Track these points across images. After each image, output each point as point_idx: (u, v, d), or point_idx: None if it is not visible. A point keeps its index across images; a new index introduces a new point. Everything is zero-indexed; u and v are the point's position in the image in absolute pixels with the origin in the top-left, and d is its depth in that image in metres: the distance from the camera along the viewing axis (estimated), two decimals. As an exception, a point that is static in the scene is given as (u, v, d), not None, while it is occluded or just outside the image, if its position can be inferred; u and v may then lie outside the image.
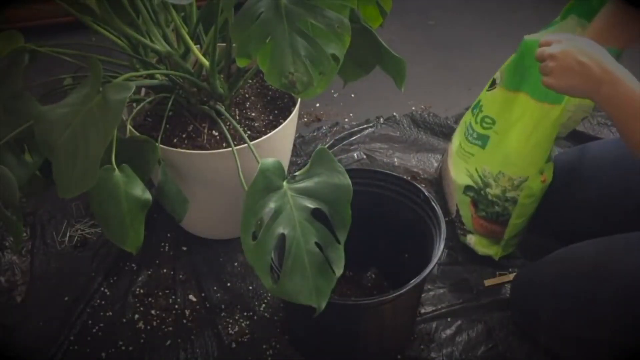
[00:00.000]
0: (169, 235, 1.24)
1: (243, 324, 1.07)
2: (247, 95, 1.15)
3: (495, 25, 1.90)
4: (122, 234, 0.81)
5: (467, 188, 1.13)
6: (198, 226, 1.22)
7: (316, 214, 0.80)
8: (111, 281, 1.15)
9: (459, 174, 1.15)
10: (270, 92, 1.18)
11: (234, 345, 1.04)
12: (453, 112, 1.56)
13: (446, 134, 1.49)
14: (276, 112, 1.14)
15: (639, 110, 0.76)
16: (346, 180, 0.80)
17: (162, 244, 1.22)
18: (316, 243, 0.78)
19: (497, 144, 1.07)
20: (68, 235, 1.24)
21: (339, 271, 0.79)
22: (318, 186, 0.80)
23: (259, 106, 1.14)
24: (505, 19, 1.92)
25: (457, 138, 1.20)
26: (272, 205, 0.78)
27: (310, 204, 0.79)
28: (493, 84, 1.10)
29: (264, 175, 0.78)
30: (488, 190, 1.09)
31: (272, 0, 0.74)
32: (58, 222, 1.27)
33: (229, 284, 1.14)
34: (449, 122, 1.52)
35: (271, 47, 0.74)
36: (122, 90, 0.74)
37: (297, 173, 0.81)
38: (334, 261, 0.79)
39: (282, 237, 0.78)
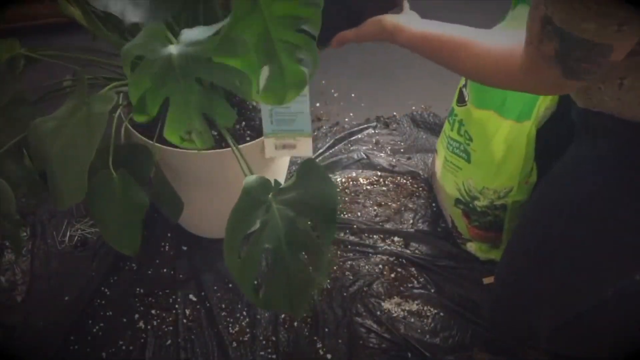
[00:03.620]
0: (169, 235, 1.24)
1: (243, 323, 1.08)
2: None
3: (495, 25, 1.90)
4: (119, 236, 0.82)
5: (457, 201, 1.13)
6: (197, 225, 1.23)
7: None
8: (111, 281, 1.15)
9: (449, 187, 1.15)
10: None
11: (234, 344, 1.04)
12: (453, 112, 1.56)
13: (446, 133, 1.50)
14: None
15: (430, 43, 0.80)
16: (332, 189, 0.80)
17: (162, 243, 1.23)
18: (300, 254, 0.78)
19: (478, 159, 1.07)
20: (68, 235, 1.24)
21: (323, 279, 0.81)
22: (304, 197, 0.79)
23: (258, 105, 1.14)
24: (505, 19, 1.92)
25: (441, 150, 1.19)
26: (257, 221, 0.77)
27: (296, 216, 0.79)
28: (462, 98, 1.10)
29: (248, 196, 0.77)
30: (476, 202, 1.09)
31: (165, 57, 0.71)
32: (58, 222, 1.27)
33: (229, 284, 1.15)
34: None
35: (170, 104, 0.73)
36: (105, 102, 0.75)
37: (283, 185, 0.81)
38: (318, 268, 0.80)
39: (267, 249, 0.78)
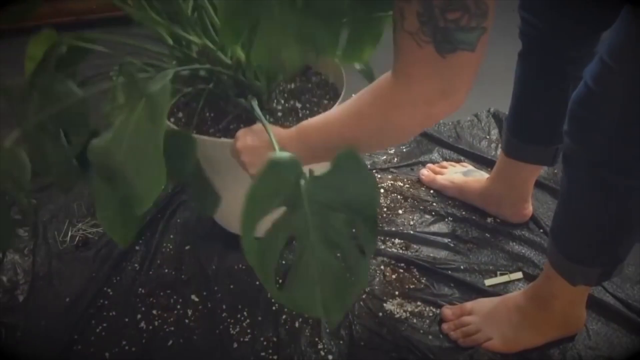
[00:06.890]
0: (171, 236, 1.25)
1: (244, 324, 1.08)
2: (293, 86, 1.12)
3: (496, 25, 1.89)
4: (115, 225, 0.80)
5: None
6: (224, 217, 1.22)
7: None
8: (114, 281, 1.16)
9: None
10: (313, 81, 1.15)
11: (235, 345, 1.05)
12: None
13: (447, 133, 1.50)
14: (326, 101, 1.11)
15: (324, 135, 0.79)
16: (372, 189, 0.72)
17: (164, 244, 1.23)
18: (334, 252, 0.71)
19: None
20: (70, 234, 1.24)
21: (363, 284, 0.73)
22: (341, 190, 0.71)
23: (305, 97, 1.10)
24: (505, 18, 1.92)
25: None
26: (282, 201, 0.70)
27: (331, 209, 0.71)
28: None
29: (273, 172, 0.69)
30: None
31: None
32: (60, 222, 1.27)
33: (230, 285, 1.15)
34: (449, 121, 1.53)
35: (260, 25, 0.67)
36: (160, 80, 0.72)
37: (318, 174, 0.72)
38: (356, 273, 0.72)
39: (292, 239, 0.71)
